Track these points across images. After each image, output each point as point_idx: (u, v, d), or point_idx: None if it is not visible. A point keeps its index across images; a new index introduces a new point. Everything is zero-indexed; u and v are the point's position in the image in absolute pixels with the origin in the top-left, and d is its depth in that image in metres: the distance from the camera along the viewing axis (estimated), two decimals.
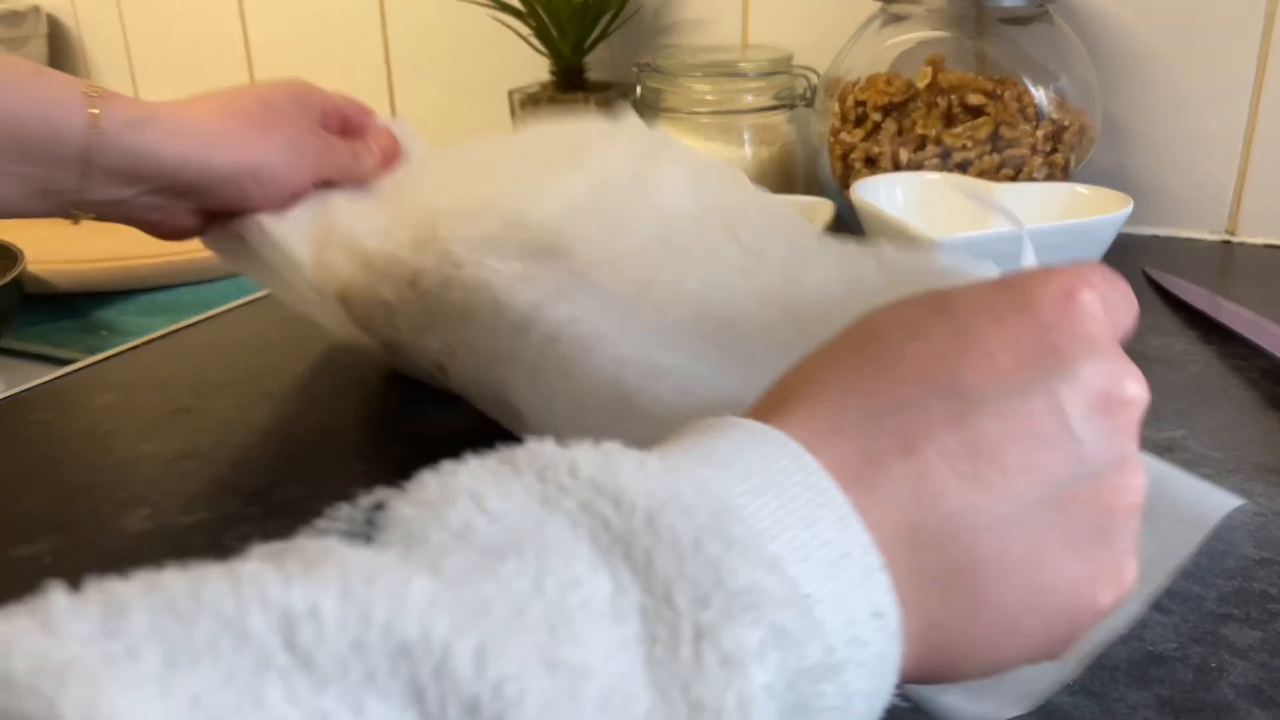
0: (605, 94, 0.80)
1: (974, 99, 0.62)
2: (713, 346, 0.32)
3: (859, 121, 0.66)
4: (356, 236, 0.43)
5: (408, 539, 0.17)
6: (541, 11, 0.77)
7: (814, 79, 0.72)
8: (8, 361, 0.63)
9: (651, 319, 0.34)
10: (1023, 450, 0.20)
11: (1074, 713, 0.27)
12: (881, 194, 0.60)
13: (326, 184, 0.48)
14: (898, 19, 0.66)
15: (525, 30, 0.80)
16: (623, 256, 0.36)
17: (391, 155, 0.52)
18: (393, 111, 0.99)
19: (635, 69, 0.75)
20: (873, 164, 0.65)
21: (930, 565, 0.20)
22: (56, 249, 0.78)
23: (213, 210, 0.46)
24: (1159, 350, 0.50)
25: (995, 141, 0.62)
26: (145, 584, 0.15)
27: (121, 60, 1.16)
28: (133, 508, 0.38)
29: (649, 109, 0.74)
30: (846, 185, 0.64)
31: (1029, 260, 0.32)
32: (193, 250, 0.76)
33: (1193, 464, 0.39)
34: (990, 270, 0.29)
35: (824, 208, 0.62)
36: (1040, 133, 0.62)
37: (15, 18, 1.14)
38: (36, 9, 1.17)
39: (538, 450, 0.19)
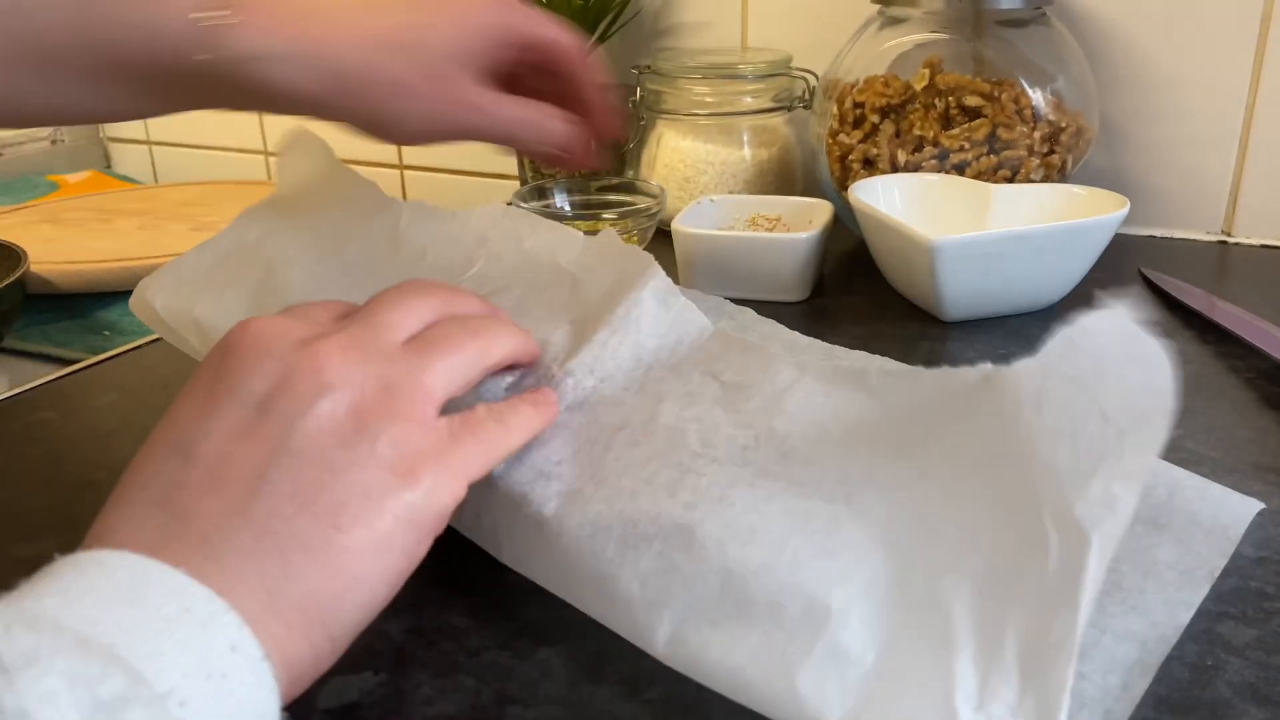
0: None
1: (971, 101, 0.62)
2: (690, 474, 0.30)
3: (857, 123, 0.66)
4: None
5: None
6: None
7: (812, 81, 0.72)
8: (10, 361, 0.63)
9: (623, 454, 0.31)
10: (232, 453, 0.25)
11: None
12: (879, 195, 0.60)
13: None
14: (896, 21, 0.66)
15: None
16: (597, 403, 0.33)
17: (590, 147, 0.43)
18: None
19: (635, 71, 0.75)
20: (871, 165, 0.65)
21: (254, 567, 0.24)
22: (59, 249, 0.79)
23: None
24: None
25: (992, 143, 0.63)
26: None
27: None
28: None
29: (649, 111, 0.74)
30: (845, 187, 0.65)
31: None
32: None
33: (1190, 464, 0.39)
34: (981, 370, 0.27)
35: (822, 209, 0.62)
36: (1037, 134, 0.62)
37: None
38: None
39: None
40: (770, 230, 0.62)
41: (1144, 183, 0.71)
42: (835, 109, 0.67)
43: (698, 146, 0.72)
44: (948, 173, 0.63)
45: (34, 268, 0.68)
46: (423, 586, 0.28)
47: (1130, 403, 0.25)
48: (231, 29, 0.35)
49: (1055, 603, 0.24)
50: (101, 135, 1.21)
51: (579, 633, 0.31)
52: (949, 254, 0.51)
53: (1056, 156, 0.63)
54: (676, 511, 0.28)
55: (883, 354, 0.47)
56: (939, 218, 0.58)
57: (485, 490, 0.31)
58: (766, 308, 0.52)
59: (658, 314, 0.35)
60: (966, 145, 0.63)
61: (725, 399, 0.32)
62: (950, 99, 0.63)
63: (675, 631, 0.27)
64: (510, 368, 0.33)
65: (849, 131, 0.66)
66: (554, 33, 0.43)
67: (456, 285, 0.33)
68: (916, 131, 0.64)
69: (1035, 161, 0.63)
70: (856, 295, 0.59)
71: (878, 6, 0.67)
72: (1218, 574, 0.31)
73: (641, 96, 0.74)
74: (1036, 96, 0.62)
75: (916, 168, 0.64)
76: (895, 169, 0.64)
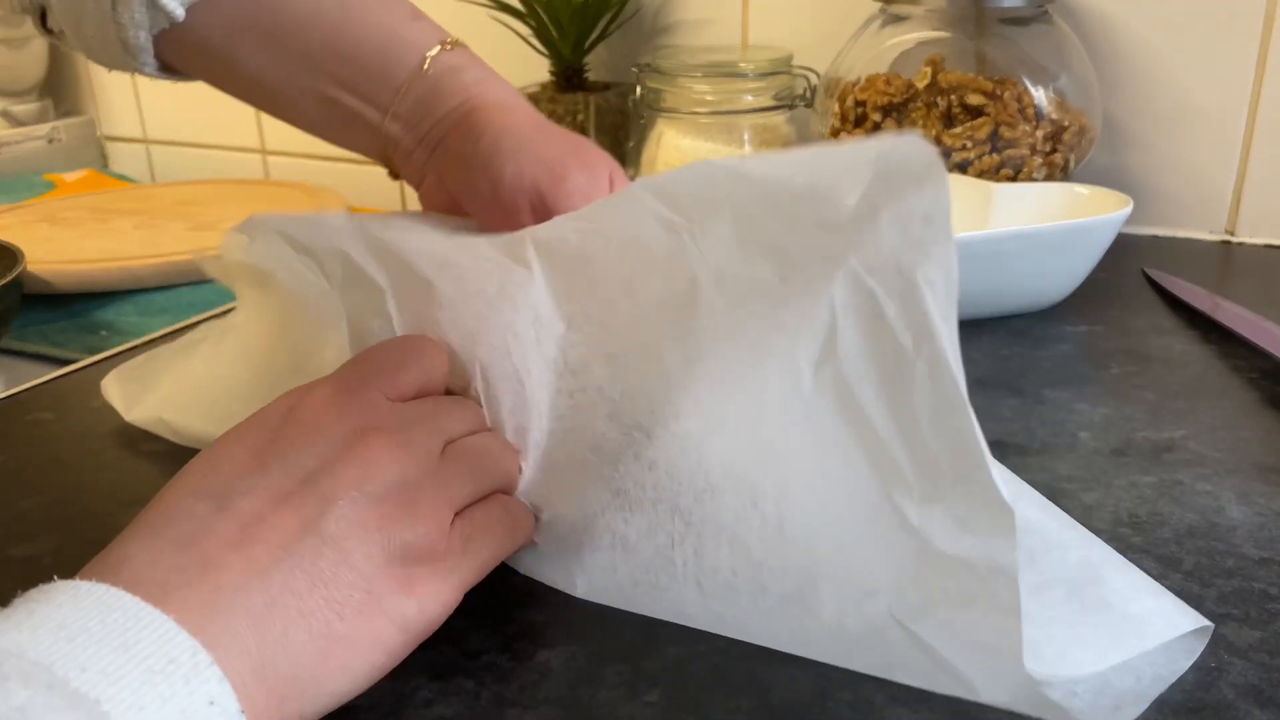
0: (605, 94, 0.80)
1: (973, 99, 0.62)
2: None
3: (859, 122, 0.66)
4: None
5: None
6: (541, 12, 0.77)
7: (814, 79, 0.72)
8: (7, 361, 0.63)
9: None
10: (267, 517, 0.26)
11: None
12: None
13: None
14: (897, 19, 0.66)
15: (525, 30, 0.80)
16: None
17: None
18: None
19: (635, 69, 0.75)
20: None
21: (256, 634, 0.24)
22: (57, 249, 0.78)
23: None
24: (1158, 350, 0.50)
25: (995, 142, 0.62)
26: None
27: None
28: (132, 507, 0.38)
29: (649, 109, 0.74)
30: None
31: None
32: (193, 250, 0.76)
33: (1192, 464, 0.39)
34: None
35: None
36: (1040, 133, 0.62)
37: (16, 18, 1.14)
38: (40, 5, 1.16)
39: None
40: None
41: (1147, 182, 0.71)
42: (837, 107, 0.67)
43: (698, 145, 0.71)
44: (950, 171, 0.63)
45: (31, 267, 0.68)
46: None
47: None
48: (455, 54, 0.42)
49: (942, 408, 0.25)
50: (98, 134, 1.21)
51: (578, 635, 0.30)
52: None
53: (1059, 155, 0.63)
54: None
55: None
56: None
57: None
58: None
59: None
60: (969, 144, 0.63)
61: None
62: (952, 97, 0.63)
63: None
64: None
65: (850, 130, 0.66)
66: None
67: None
68: (918, 130, 0.64)
69: (1038, 160, 0.63)
70: None
71: (879, 4, 0.67)
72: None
73: (642, 95, 0.74)
74: (1039, 95, 0.62)
75: None
76: None
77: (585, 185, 0.37)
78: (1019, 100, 0.62)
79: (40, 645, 0.22)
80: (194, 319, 0.59)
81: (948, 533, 0.26)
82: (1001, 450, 0.40)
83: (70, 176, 1.09)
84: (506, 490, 0.33)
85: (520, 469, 0.33)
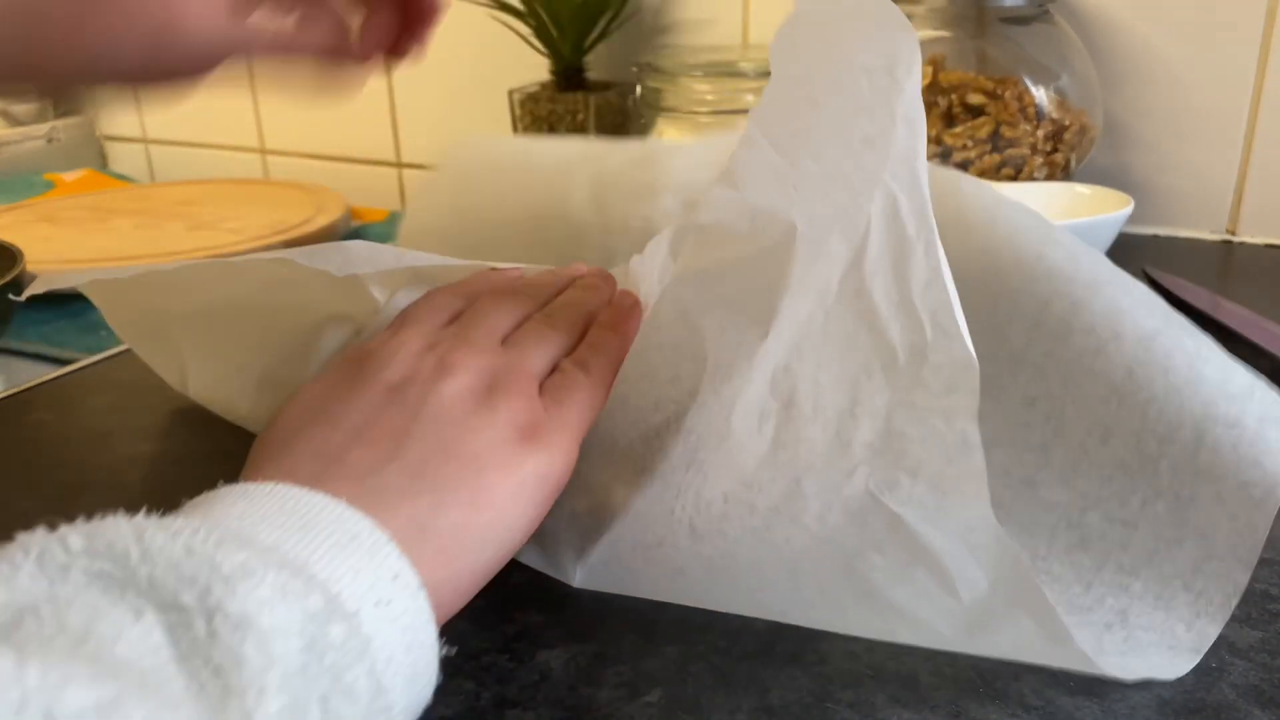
0: (605, 93, 0.80)
1: (974, 98, 0.62)
2: None
3: None
4: None
5: None
6: (541, 11, 0.77)
7: None
8: (7, 361, 0.63)
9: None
10: (377, 419, 0.28)
11: (1075, 713, 0.27)
12: None
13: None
14: None
15: (525, 30, 0.80)
16: None
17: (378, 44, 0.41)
18: (391, 109, 1.00)
19: (635, 69, 0.75)
20: None
21: (408, 504, 0.26)
22: (55, 248, 0.78)
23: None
24: None
25: (996, 141, 0.62)
26: None
27: None
28: (132, 508, 0.38)
29: (649, 108, 0.74)
30: None
31: None
32: (193, 250, 0.76)
33: None
34: None
35: None
36: (1041, 132, 0.62)
37: None
38: None
39: (30, 540, 0.21)
40: None
41: (1148, 181, 0.71)
42: None
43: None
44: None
45: (30, 267, 0.68)
46: None
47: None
48: None
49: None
50: (98, 134, 1.21)
51: (579, 635, 0.30)
52: None
53: (1060, 155, 0.63)
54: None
55: None
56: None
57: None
58: None
59: None
60: (969, 143, 0.62)
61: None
62: (953, 97, 0.63)
63: None
64: None
65: None
66: None
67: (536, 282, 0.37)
68: None
69: (1039, 160, 0.63)
70: None
71: None
72: (1236, 598, 0.28)
73: (642, 94, 0.74)
74: (1040, 94, 0.62)
75: None
76: None
77: None
78: (1020, 99, 0.62)
79: (233, 527, 0.22)
80: None
81: (922, 390, 0.27)
82: None
83: (69, 176, 1.09)
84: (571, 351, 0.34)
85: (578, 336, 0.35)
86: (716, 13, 0.81)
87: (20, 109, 1.18)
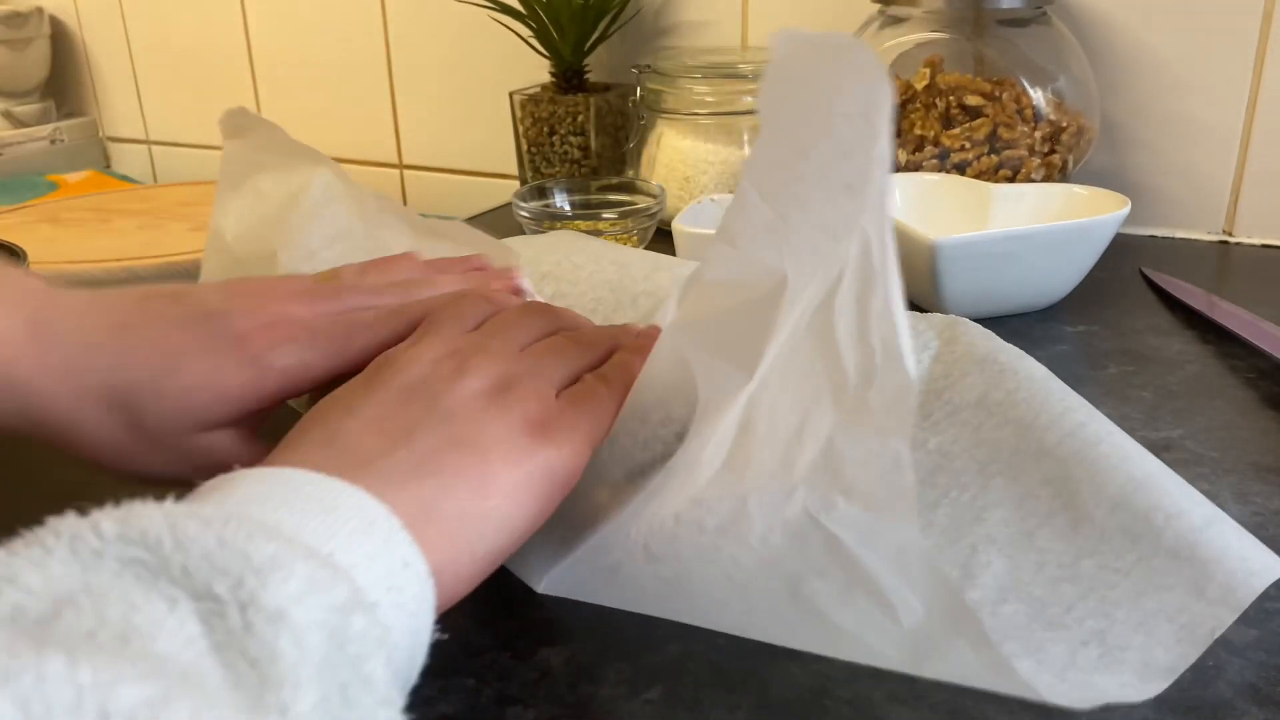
0: (605, 95, 0.80)
1: (972, 100, 0.62)
2: None
3: None
4: None
5: None
6: (542, 13, 0.77)
7: None
8: None
9: None
10: (391, 413, 0.29)
11: (1073, 712, 0.27)
12: None
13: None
14: (896, 20, 0.66)
15: (525, 32, 0.80)
16: None
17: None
18: (393, 111, 1.00)
19: (635, 70, 0.75)
20: None
21: (415, 487, 0.26)
22: (59, 249, 0.79)
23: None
24: (1156, 350, 0.50)
25: (993, 142, 0.63)
26: None
27: (124, 61, 1.16)
28: None
29: (649, 110, 0.74)
30: None
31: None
32: (193, 251, 0.76)
33: (1190, 464, 0.39)
34: None
35: None
36: (1038, 134, 0.62)
37: (18, 19, 1.14)
38: (39, 10, 1.17)
39: (62, 525, 0.21)
40: None
41: (1145, 182, 0.71)
42: None
43: (698, 146, 0.72)
44: (948, 172, 0.63)
45: (33, 267, 0.68)
46: None
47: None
48: None
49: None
50: (100, 135, 1.21)
51: (579, 633, 0.31)
52: (949, 254, 0.51)
53: (1057, 156, 0.63)
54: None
55: None
56: (939, 218, 0.58)
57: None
58: None
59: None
60: (967, 145, 0.63)
61: None
62: (951, 98, 0.63)
63: None
64: None
65: None
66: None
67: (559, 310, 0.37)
68: (917, 131, 0.64)
69: (1036, 161, 0.63)
70: None
71: (878, 6, 0.67)
72: (1219, 632, 0.28)
73: (642, 96, 0.74)
74: (1037, 96, 0.62)
75: (917, 167, 0.64)
76: (896, 168, 0.64)
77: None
78: (1017, 101, 0.62)
79: (255, 515, 0.23)
80: None
81: (864, 412, 0.28)
82: None
83: (73, 177, 1.09)
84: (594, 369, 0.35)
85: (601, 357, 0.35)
86: (716, 15, 0.81)
87: (23, 110, 1.18)
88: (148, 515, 0.21)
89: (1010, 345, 0.40)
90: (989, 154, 0.63)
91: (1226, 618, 0.28)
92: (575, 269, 0.48)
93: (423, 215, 0.45)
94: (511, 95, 0.82)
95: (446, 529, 0.26)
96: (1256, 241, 0.69)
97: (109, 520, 0.21)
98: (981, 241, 0.52)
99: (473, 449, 0.28)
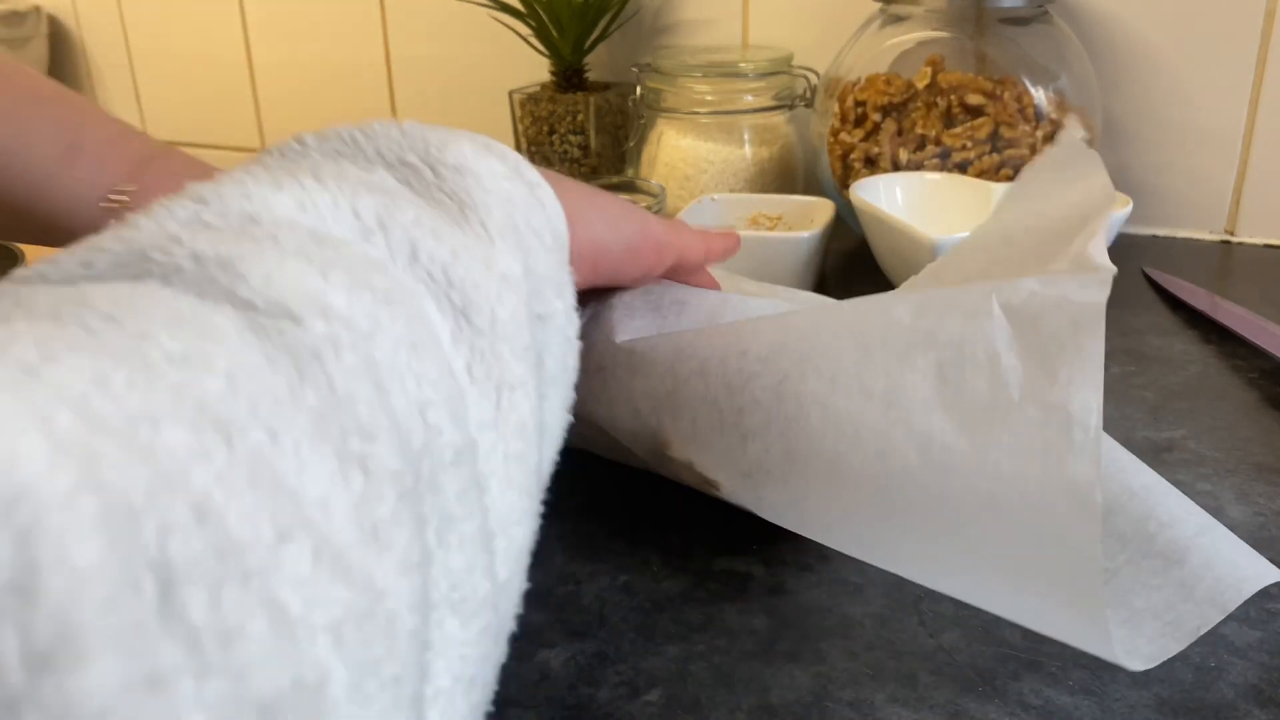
0: (605, 94, 0.80)
1: (973, 99, 0.62)
2: None
3: (859, 122, 0.66)
4: None
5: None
6: (541, 12, 0.77)
7: (814, 79, 0.72)
8: None
9: None
10: None
11: (1074, 713, 0.27)
12: (881, 194, 0.60)
13: None
14: (897, 19, 0.66)
15: (525, 31, 0.80)
16: None
17: None
18: (392, 110, 1.00)
19: (635, 69, 0.75)
20: (872, 164, 0.65)
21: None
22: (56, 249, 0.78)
23: None
24: (1158, 350, 0.50)
25: (995, 141, 0.62)
26: None
27: (122, 60, 1.16)
28: None
29: (649, 109, 0.74)
30: (846, 185, 0.64)
31: None
32: None
33: (1192, 464, 0.39)
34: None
35: (823, 208, 0.62)
36: (1040, 133, 0.62)
37: (16, 18, 1.14)
38: (37, 9, 1.17)
39: (269, 148, 0.26)
40: (771, 229, 0.62)
41: (1147, 182, 0.71)
42: (837, 107, 0.67)
43: (698, 145, 0.71)
44: (950, 171, 0.63)
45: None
46: None
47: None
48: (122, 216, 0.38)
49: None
50: None
51: (579, 634, 0.30)
52: None
53: None
54: None
55: None
56: (941, 217, 0.58)
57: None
58: None
59: None
60: (969, 144, 0.63)
61: None
62: (952, 97, 0.63)
63: None
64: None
65: (850, 130, 0.66)
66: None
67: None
68: (918, 130, 0.64)
69: None
70: (858, 295, 0.59)
71: (879, 4, 0.67)
72: (1204, 630, 0.28)
73: (642, 95, 0.74)
74: (1039, 95, 0.62)
75: (918, 166, 0.64)
76: (897, 168, 0.64)
77: None
78: (1019, 100, 0.62)
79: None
80: None
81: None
82: None
83: None
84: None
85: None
86: (716, 13, 0.81)
87: None
88: (337, 127, 0.26)
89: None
90: (991, 153, 0.63)
91: (1214, 617, 0.28)
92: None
93: None
94: (511, 94, 0.82)
95: (559, 192, 0.28)
96: (1259, 241, 0.69)
97: (308, 134, 0.26)
98: None
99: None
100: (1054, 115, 0.63)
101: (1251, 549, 0.30)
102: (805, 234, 0.57)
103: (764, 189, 0.72)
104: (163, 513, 0.13)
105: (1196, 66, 0.68)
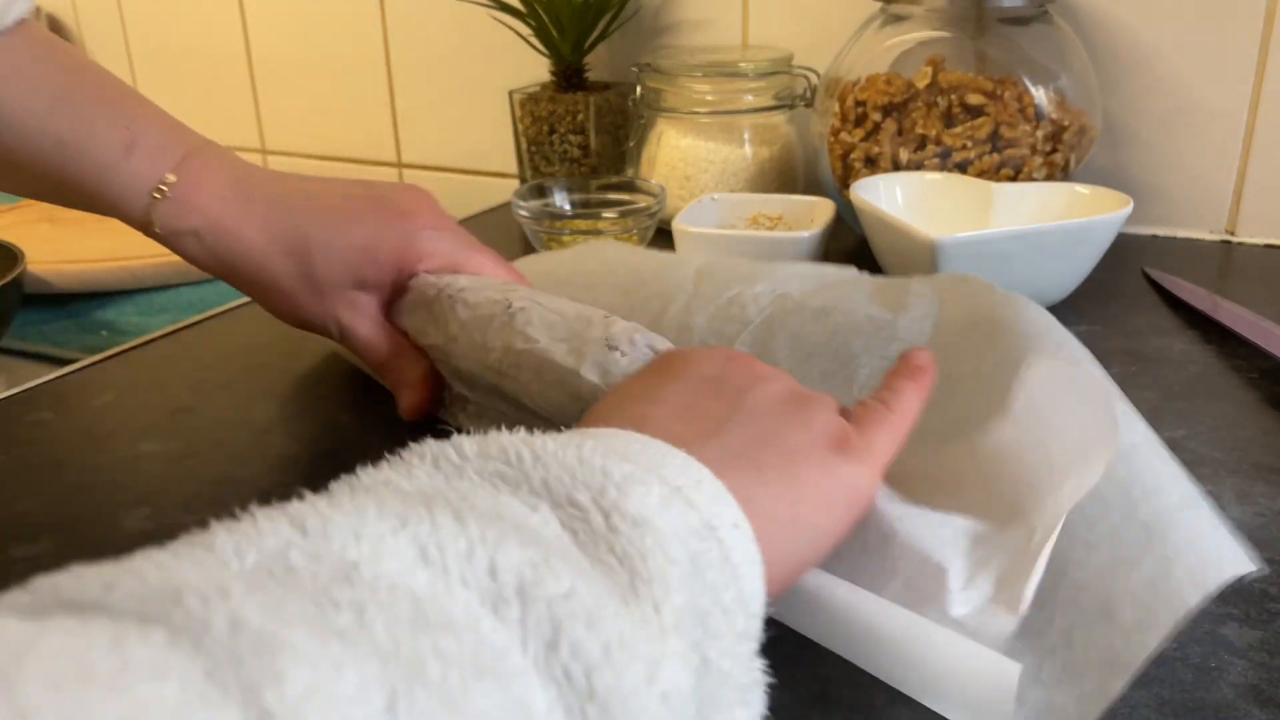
0: (605, 94, 0.80)
1: (974, 99, 0.62)
2: None
3: (859, 121, 0.66)
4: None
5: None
6: (541, 12, 0.77)
7: (814, 79, 0.72)
8: (8, 361, 0.63)
9: None
10: (695, 405, 0.29)
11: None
12: (881, 194, 0.60)
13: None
14: (898, 19, 0.66)
15: (525, 30, 0.80)
16: None
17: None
18: (392, 110, 1.00)
19: (635, 69, 0.75)
20: (872, 164, 0.65)
21: (732, 474, 0.25)
22: (57, 249, 0.78)
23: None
24: (1159, 350, 0.50)
25: (995, 141, 0.62)
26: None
27: (122, 59, 1.16)
28: (133, 508, 0.38)
29: (649, 109, 0.74)
30: (846, 185, 0.64)
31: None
32: None
33: (1192, 464, 0.39)
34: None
35: (824, 208, 0.62)
36: (1040, 133, 0.62)
37: None
38: (36, 8, 1.17)
39: (422, 448, 0.23)
40: (771, 229, 0.62)
41: (1147, 182, 0.71)
42: (837, 107, 0.67)
43: (698, 145, 0.71)
44: (950, 171, 0.63)
45: (31, 267, 0.68)
46: None
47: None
48: (166, 204, 0.41)
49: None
50: None
51: None
52: (951, 253, 0.51)
53: (1059, 155, 0.63)
54: None
55: None
56: (941, 216, 0.58)
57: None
58: None
59: None
60: (969, 144, 0.62)
61: None
62: (952, 97, 0.63)
63: None
64: None
65: (851, 130, 0.66)
66: (454, 263, 0.44)
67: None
68: (918, 130, 0.64)
69: (1038, 160, 0.63)
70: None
71: (880, 4, 0.67)
72: (1184, 612, 0.27)
73: (642, 94, 0.74)
74: (1039, 95, 0.62)
75: (918, 166, 0.64)
76: (897, 167, 0.64)
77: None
78: (1019, 100, 0.62)
79: (610, 446, 0.23)
80: (194, 319, 0.59)
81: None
82: None
83: None
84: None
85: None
86: (716, 13, 0.81)
87: None
88: (504, 437, 0.23)
89: (1012, 296, 0.40)
90: (991, 153, 0.62)
91: (1193, 598, 0.27)
92: (589, 275, 0.48)
93: None
94: (511, 94, 0.82)
95: (762, 523, 0.25)
96: (1259, 241, 0.69)
97: (468, 442, 0.23)
98: (983, 241, 0.52)
99: (783, 450, 0.27)
100: (1054, 115, 0.63)
101: (1229, 535, 0.29)
102: (805, 234, 0.57)
103: (764, 189, 0.72)
104: None
105: (1197, 66, 0.68)
